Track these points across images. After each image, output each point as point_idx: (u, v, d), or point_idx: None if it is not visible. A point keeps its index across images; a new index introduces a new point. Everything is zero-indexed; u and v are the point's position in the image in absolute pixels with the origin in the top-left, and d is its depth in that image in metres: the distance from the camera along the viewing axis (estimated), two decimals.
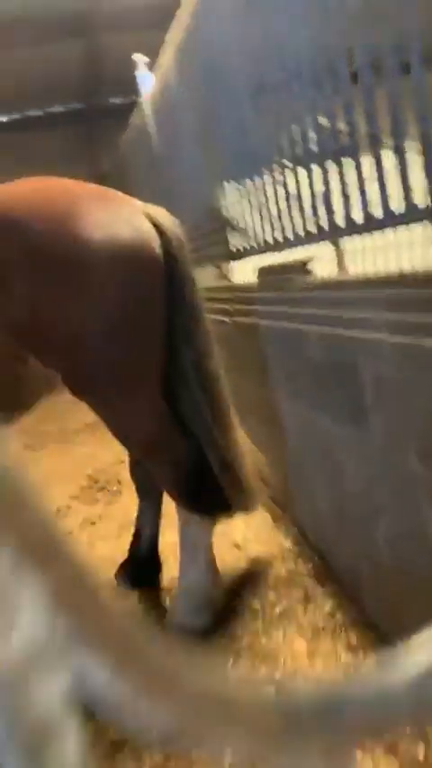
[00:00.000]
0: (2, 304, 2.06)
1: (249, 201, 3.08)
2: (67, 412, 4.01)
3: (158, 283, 2.18)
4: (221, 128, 3.12)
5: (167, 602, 2.70)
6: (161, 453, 2.30)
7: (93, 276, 2.06)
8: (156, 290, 2.18)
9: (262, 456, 3.02)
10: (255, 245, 3.14)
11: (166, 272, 2.19)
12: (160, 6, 5.96)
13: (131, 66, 4.52)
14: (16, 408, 2.43)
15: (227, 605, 2.51)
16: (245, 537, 3.06)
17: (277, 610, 2.46)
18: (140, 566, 2.77)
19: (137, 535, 2.81)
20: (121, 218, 2.15)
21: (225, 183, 3.34)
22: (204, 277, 3.70)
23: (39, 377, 2.26)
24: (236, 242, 3.42)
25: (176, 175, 4.21)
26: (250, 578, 2.74)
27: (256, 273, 3.11)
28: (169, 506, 2.59)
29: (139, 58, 4.49)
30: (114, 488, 4.09)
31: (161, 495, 2.64)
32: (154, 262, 2.16)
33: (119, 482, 4.04)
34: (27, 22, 6.47)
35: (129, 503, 2.94)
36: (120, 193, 2.34)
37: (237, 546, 2.96)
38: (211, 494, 2.36)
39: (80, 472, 4.52)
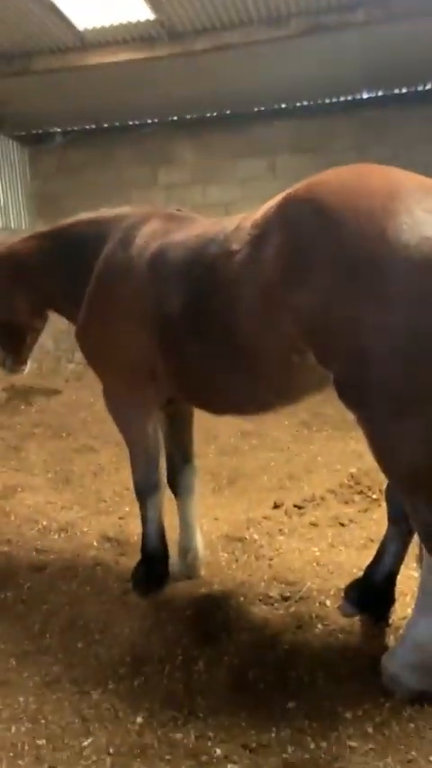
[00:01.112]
0: (299, 292, 2.02)
1: None
2: None
3: None
4: None
5: (390, 641, 2.47)
6: (422, 489, 2.04)
7: (394, 281, 1.87)
8: None
9: None
10: None
11: None
12: None
13: None
14: (281, 400, 2.41)
15: None
16: None
17: None
18: (372, 593, 2.58)
19: (377, 559, 2.61)
20: None
21: None
22: None
23: (311, 374, 2.19)
24: None
25: None
26: None
27: None
28: None
29: None
30: (374, 496, 3.90)
31: (412, 531, 2.38)
32: None
33: (380, 491, 3.82)
34: (367, 3, 6.17)
35: (383, 516, 2.77)
36: None
37: None
38: None
39: (344, 468, 4.42)
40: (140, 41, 7.00)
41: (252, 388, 2.39)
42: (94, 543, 3.49)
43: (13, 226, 9.53)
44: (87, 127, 9.60)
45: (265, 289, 2.13)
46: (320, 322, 2.00)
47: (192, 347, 2.43)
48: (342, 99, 8.75)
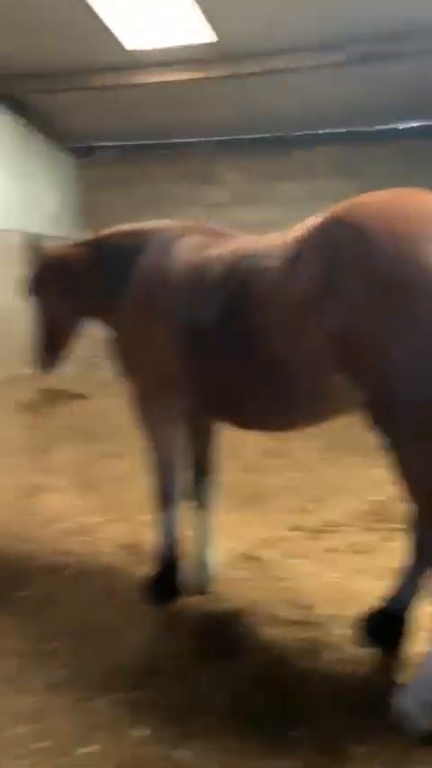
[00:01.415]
0: (333, 312, 2.02)
1: None
2: None
3: None
4: None
5: (402, 675, 2.40)
6: None
7: (425, 304, 1.86)
8: None
9: None
10: None
11: None
12: None
13: None
14: (306, 419, 2.39)
15: None
16: None
17: None
18: (387, 624, 2.51)
19: (395, 590, 2.55)
20: None
21: None
22: None
23: (339, 394, 2.18)
24: None
25: None
26: None
27: None
28: None
29: None
30: (395, 525, 3.81)
31: None
32: None
33: (402, 520, 3.74)
34: (418, 33, 6.17)
35: (403, 547, 2.71)
36: None
37: None
38: None
39: (367, 494, 4.34)
40: (191, 63, 7.16)
41: (278, 406, 2.39)
42: (111, 550, 3.49)
43: (62, 234, 9.77)
44: (135, 143, 9.82)
45: (299, 307, 2.13)
46: (352, 342, 2.01)
47: (222, 361, 2.45)
48: (385, 126, 8.78)
